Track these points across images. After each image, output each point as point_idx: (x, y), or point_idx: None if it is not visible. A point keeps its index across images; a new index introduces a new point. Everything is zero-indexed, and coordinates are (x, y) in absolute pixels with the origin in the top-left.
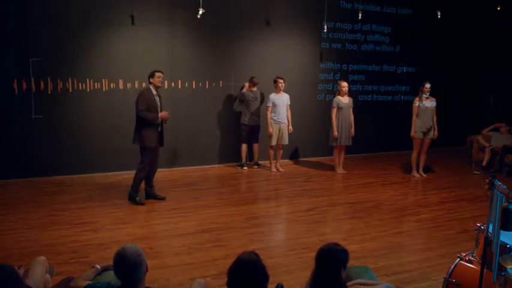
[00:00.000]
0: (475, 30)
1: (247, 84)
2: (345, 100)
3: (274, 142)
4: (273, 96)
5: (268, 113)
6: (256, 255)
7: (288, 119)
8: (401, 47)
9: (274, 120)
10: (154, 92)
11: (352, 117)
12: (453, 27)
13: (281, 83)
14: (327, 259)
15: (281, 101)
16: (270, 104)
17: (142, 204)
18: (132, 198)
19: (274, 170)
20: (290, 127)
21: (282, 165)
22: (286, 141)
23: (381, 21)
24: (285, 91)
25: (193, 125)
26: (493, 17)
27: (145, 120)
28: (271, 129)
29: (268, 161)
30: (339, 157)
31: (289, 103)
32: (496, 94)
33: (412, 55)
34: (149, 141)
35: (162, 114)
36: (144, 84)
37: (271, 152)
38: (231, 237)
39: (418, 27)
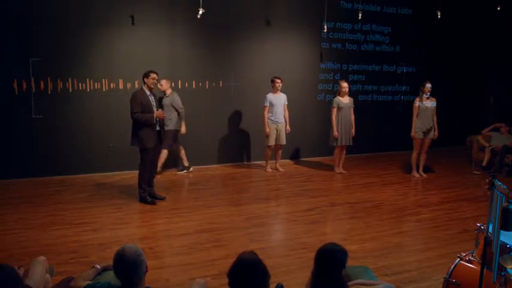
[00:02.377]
0: (475, 30)
1: (166, 85)
2: (345, 100)
3: (272, 142)
4: (270, 96)
5: (265, 113)
6: (255, 253)
7: (285, 118)
8: (401, 47)
9: (271, 120)
10: (147, 92)
11: (352, 117)
12: (453, 27)
13: (278, 83)
14: (328, 259)
15: (278, 100)
16: (267, 104)
17: (154, 203)
18: (144, 199)
19: (269, 170)
20: (288, 127)
21: (282, 165)
22: (283, 141)
23: (381, 21)
24: (285, 91)
25: (193, 125)
26: (493, 17)
27: (141, 122)
28: (268, 129)
29: (263, 161)
30: (339, 157)
31: (286, 103)
32: (496, 94)
33: (412, 55)
34: (147, 141)
35: (157, 113)
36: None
37: (269, 152)
38: (231, 237)
39: (418, 27)
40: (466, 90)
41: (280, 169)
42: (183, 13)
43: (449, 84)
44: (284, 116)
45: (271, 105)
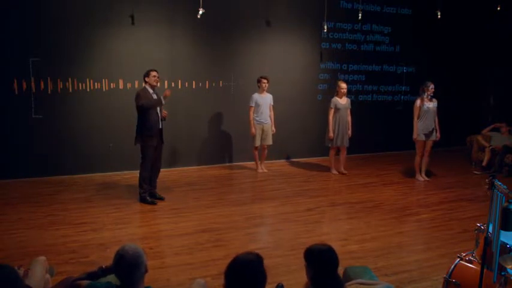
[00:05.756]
0: (475, 30)
1: None
2: (342, 101)
3: (258, 143)
4: (256, 96)
5: (251, 113)
6: (257, 255)
7: (271, 119)
8: (401, 47)
9: (256, 120)
10: (150, 91)
11: (349, 118)
12: (453, 27)
13: (265, 83)
14: (326, 261)
15: (264, 101)
16: (253, 104)
17: (154, 203)
18: (144, 199)
19: (260, 170)
20: (273, 128)
21: (281, 165)
22: (270, 141)
23: (381, 21)
24: (285, 91)
25: (193, 125)
26: (493, 17)
27: (148, 115)
28: (253, 130)
29: (253, 162)
30: (334, 158)
31: (272, 103)
32: (496, 94)
33: (412, 55)
34: (150, 139)
35: (165, 92)
36: (143, 85)
37: (256, 153)
38: (231, 237)
39: (418, 27)
40: (466, 90)
41: (264, 170)
42: (183, 13)
43: (449, 84)
44: (270, 116)
45: (257, 105)
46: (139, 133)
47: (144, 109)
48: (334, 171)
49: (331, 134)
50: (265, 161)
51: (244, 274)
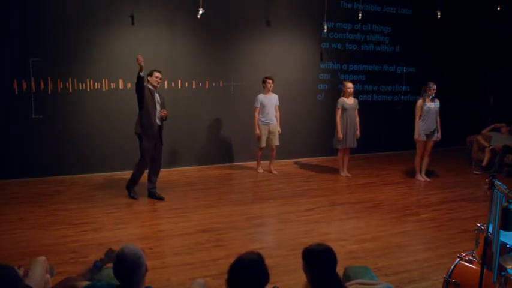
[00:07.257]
0: (475, 30)
1: None
2: (349, 101)
3: (263, 144)
4: (261, 96)
5: (256, 114)
6: (259, 254)
7: (277, 119)
8: (401, 47)
9: (262, 121)
10: (152, 89)
11: (357, 119)
12: (453, 27)
13: (270, 84)
14: (326, 260)
15: (269, 101)
16: (257, 105)
17: (135, 198)
18: (127, 189)
19: (261, 170)
20: (278, 128)
21: (282, 165)
22: (277, 142)
23: (381, 21)
24: (285, 91)
25: (193, 125)
26: (493, 17)
27: (144, 113)
28: (258, 131)
29: (262, 161)
30: (343, 160)
31: (277, 103)
32: (496, 94)
33: (412, 55)
34: (149, 128)
35: (138, 59)
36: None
37: (259, 153)
38: (231, 237)
39: (418, 27)
40: (466, 90)
41: (274, 171)
42: (183, 13)
43: (449, 84)
44: (275, 117)
45: (262, 106)
46: (139, 122)
47: (141, 99)
48: (343, 173)
49: (339, 135)
50: (265, 161)
51: (246, 273)
